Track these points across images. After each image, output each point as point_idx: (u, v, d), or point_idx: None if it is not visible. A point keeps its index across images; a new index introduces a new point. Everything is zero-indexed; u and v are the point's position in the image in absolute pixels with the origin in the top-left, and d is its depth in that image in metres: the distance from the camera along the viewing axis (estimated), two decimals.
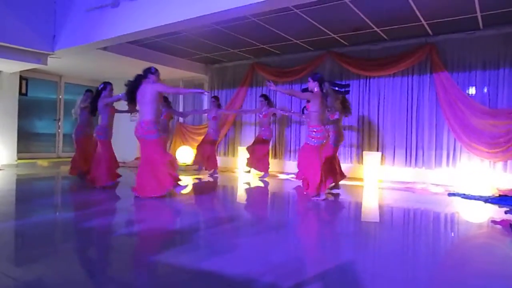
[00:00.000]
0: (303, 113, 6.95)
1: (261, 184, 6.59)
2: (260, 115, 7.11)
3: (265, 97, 7.16)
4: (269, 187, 6.40)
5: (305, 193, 5.04)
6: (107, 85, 5.65)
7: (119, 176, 5.67)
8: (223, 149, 9.50)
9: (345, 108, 5.61)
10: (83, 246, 2.83)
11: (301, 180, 6.15)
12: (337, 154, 5.96)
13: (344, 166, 7.60)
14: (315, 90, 4.84)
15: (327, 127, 5.12)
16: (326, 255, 2.71)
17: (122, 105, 5.61)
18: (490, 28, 6.16)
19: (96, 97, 5.67)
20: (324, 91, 4.80)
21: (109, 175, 5.36)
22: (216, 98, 7.65)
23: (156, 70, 4.79)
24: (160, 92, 4.75)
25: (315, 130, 4.78)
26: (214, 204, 4.97)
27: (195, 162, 7.73)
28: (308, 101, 5.90)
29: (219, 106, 7.60)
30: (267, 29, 6.54)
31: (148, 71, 4.75)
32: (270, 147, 7.82)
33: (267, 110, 7.01)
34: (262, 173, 7.20)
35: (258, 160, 7.14)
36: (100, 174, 5.28)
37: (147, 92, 4.61)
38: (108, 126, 5.51)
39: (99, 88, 5.66)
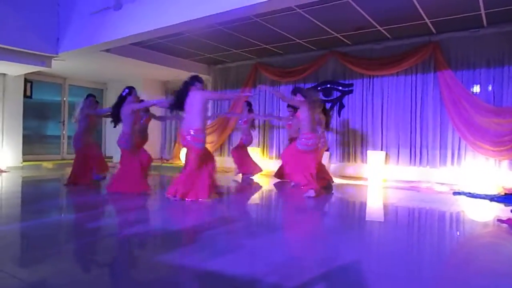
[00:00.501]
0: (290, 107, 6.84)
1: (262, 185, 6.58)
2: (241, 121, 7.21)
3: (248, 103, 7.23)
4: (270, 187, 6.39)
5: (301, 187, 5.18)
6: (132, 89, 5.21)
7: (148, 188, 5.12)
8: (226, 150, 9.50)
9: (326, 117, 5.68)
10: (88, 247, 2.84)
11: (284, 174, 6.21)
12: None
13: (348, 166, 7.63)
14: (300, 99, 5.01)
15: (320, 133, 5.22)
16: (330, 254, 2.70)
17: None
18: (494, 26, 6.13)
19: (119, 103, 5.16)
20: (308, 98, 4.98)
21: (134, 185, 5.05)
22: None
23: (202, 78, 4.80)
24: (209, 99, 4.78)
25: (306, 137, 4.93)
26: (216, 204, 4.97)
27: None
28: (294, 110, 6.00)
29: None
30: (269, 29, 6.55)
31: (195, 79, 4.70)
32: (259, 148, 8.35)
33: (247, 116, 7.08)
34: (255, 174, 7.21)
35: (245, 164, 7.19)
36: (124, 182, 5.08)
37: (198, 100, 4.54)
38: (132, 134, 5.14)
39: (124, 94, 5.17)
